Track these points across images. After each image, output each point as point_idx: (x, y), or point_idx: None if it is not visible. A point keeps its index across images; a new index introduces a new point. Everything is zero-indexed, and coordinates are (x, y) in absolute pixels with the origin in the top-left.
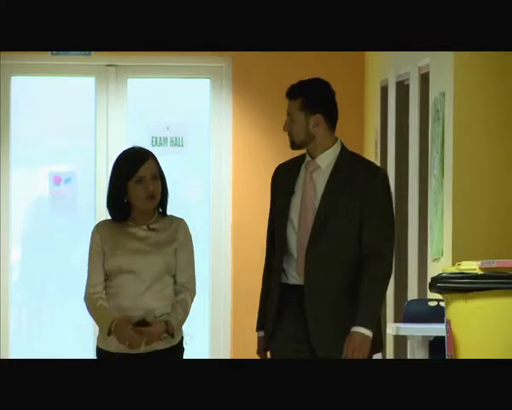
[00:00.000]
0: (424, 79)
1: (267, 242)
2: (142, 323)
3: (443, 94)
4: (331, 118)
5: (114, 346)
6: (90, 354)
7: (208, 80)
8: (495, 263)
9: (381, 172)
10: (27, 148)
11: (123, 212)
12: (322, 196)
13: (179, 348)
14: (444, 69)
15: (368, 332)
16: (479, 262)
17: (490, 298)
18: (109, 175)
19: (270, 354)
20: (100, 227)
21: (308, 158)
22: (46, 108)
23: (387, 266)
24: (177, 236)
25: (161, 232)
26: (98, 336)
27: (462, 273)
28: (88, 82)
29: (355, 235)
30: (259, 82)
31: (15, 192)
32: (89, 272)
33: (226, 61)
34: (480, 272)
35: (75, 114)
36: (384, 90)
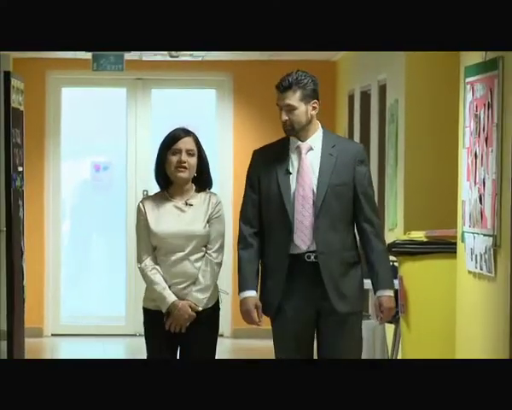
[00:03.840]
0: (382, 90)
1: (247, 218)
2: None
3: (397, 101)
4: (319, 102)
5: (156, 305)
6: (121, 304)
7: (214, 91)
8: (437, 232)
9: (360, 145)
10: (74, 143)
11: (163, 180)
12: (320, 173)
13: (216, 307)
14: (397, 81)
15: (391, 292)
16: (424, 232)
17: (433, 260)
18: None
19: (277, 322)
20: (144, 202)
21: (297, 142)
22: (88, 112)
23: (382, 230)
24: (210, 210)
25: (198, 207)
26: (144, 296)
27: (412, 240)
28: (120, 92)
29: (349, 205)
30: (254, 93)
31: (65, 178)
32: (138, 242)
33: (228, 75)
34: (425, 240)
35: (111, 117)
36: (351, 98)
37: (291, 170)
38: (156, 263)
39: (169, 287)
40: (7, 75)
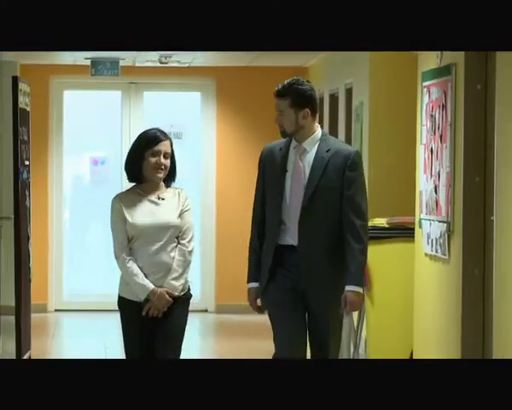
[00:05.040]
0: (348, 93)
1: (257, 211)
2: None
3: (362, 103)
4: (315, 110)
5: (132, 295)
6: (116, 282)
7: (199, 93)
8: (397, 219)
9: (353, 152)
10: (75, 140)
11: (137, 175)
12: (310, 173)
13: (187, 294)
14: (362, 85)
15: (358, 288)
16: (386, 219)
17: (393, 243)
18: (131, 145)
19: (264, 299)
20: (119, 197)
21: (295, 142)
22: (87, 112)
23: (366, 228)
24: (181, 203)
25: (169, 201)
26: (119, 287)
27: (375, 226)
28: (116, 95)
29: (336, 206)
30: (235, 95)
31: (66, 171)
32: (114, 234)
33: (212, 79)
34: (386, 226)
35: (107, 117)
36: (321, 101)
37: (288, 168)
38: (131, 255)
39: (146, 275)
40: (15, 80)
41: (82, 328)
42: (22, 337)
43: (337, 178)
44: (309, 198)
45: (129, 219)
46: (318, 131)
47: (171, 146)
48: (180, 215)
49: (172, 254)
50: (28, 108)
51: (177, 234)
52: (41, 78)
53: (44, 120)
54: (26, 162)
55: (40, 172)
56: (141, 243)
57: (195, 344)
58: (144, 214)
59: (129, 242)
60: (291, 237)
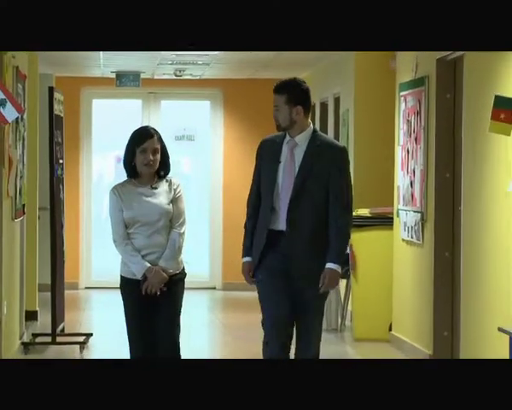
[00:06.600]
0: (336, 101)
1: (252, 196)
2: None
3: (348, 110)
4: (307, 108)
5: (132, 274)
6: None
7: (208, 102)
8: (378, 209)
9: (340, 147)
10: (102, 141)
11: (132, 171)
12: (300, 165)
13: (182, 273)
14: (348, 94)
15: (337, 267)
16: (368, 209)
17: (375, 230)
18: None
19: (255, 277)
20: (115, 189)
21: (289, 137)
22: (113, 118)
23: (350, 216)
24: (172, 191)
25: (162, 189)
26: (121, 267)
27: (359, 216)
28: (137, 103)
29: (323, 194)
30: (240, 103)
31: (95, 168)
32: (113, 223)
33: (219, 90)
34: (369, 215)
35: (130, 121)
36: (313, 108)
37: (281, 160)
38: (129, 239)
39: (144, 256)
40: (50, 90)
41: (108, 303)
42: (57, 311)
43: (326, 170)
44: (298, 188)
45: (125, 207)
46: (310, 128)
47: (160, 141)
48: (172, 202)
49: (166, 237)
50: (62, 114)
51: (169, 219)
52: (73, 88)
53: (76, 124)
54: (60, 161)
55: (72, 169)
56: (137, 229)
57: (205, 318)
58: (139, 202)
59: (126, 228)
60: (281, 223)
